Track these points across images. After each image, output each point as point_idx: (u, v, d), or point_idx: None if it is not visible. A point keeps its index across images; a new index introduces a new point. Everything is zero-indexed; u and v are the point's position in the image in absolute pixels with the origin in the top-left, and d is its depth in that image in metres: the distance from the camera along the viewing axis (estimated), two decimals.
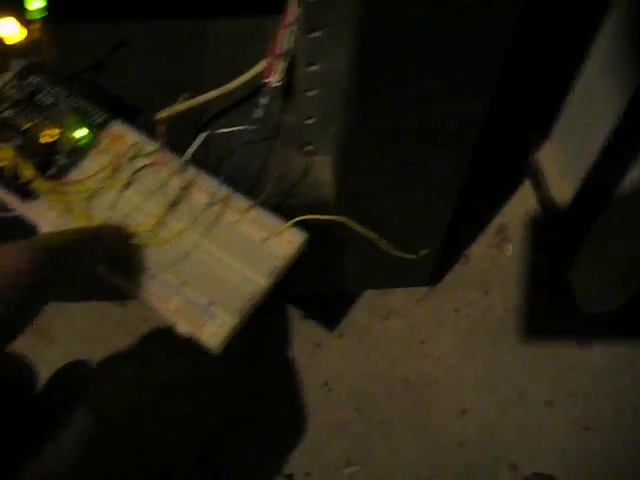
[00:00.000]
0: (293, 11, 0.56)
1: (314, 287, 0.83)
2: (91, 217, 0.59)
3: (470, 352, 0.88)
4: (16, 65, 0.68)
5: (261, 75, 0.62)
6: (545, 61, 0.91)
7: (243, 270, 0.58)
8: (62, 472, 0.43)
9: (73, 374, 0.47)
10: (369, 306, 0.90)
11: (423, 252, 0.69)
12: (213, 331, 0.56)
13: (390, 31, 0.50)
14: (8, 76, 0.68)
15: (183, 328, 0.56)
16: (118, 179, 0.61)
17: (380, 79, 0.54)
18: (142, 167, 0.59)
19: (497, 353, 0.89)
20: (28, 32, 0.65)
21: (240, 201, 0.61)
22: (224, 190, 0.61)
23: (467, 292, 0.92)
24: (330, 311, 0.90)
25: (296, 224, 0.60)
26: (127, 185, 0.59)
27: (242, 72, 0.65)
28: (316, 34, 0.57)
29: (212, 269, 0.58)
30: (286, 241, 0.59)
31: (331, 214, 0.61)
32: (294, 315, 0.89)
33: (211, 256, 0.59)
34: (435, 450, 0.82)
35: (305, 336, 0.88)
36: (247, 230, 0.60)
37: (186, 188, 0.61)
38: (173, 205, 0.60)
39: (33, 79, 0.67)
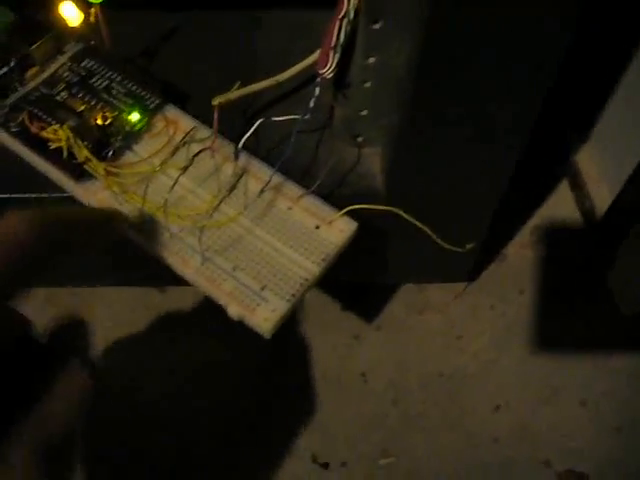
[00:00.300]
0: (347, 3, 0.56)
1: (355, 277, 0.84)
2: (144, 199, 0.59)
3: (505, 349, 0.88)
4: (71, 48, 0.69)
5: (313, 66, 0.62)
6: (588, 62, 0.91)
7: (295, 256, 0.59)
8: (62, 423, 0.43)
9: (69, 330, 0.48)
10: (407, 300, 0.91)
11: (470, 246, 0.69)
12: (265, 316, 0.56)
13: (454, 27, 0.50)
14: (63, 59, 0.68)
15: (234, 311, 0.56)
16: (172, 163, 0.62)
17: (440, 72, 0.54)
18: (197, 152, 0.59)
19: (532, 351, 0.88)
20: (85, 17, 0.65)
21: (292, 189, 0.62)
22: (277, 177, 0.61)
23: (503, 290, 0.92)
24: (368, 303, 0.91)
25: (346, 213, 0.60)
26: (181, 169, 0.59)
27: (294, 62, 0.65)
28: (377, 26, 0.57)
29: (264, 255, 0.59)
30: (338, 229, 0.60)
31: (381, 205, 0.61)
32: (333, 306, 0.89)
33: (263, 242, 0.59)
34: (470, 444, 0.83)
35: (344, 327, 0.89)
36: (299, 217, 0.61)
37: (239, 174, 0.61)
38: (226, 191, 0.60)
39: (88, 63, 0.68)
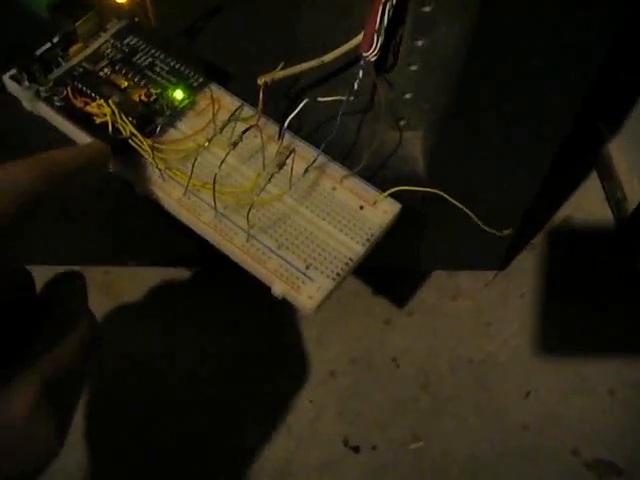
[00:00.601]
0: None
1: (389, 262, 0.84)
2: (189, 177, 0.60)
3: (535, 337, 0.89)
4: (114, 25, 0.69)
5: (357, 48, 0.62)
6: (621, 53, 0.91)
7: (339, 236, 0.59)
8: (65, 363, 0.44)
9: (68, 284, 0.48)
10: (438, 286, 0.91)
11: (507, 232, 0.69)
12: (310, 294, 0.56)
13: (506, 11, 0.50)
14: (107, 36, 0.68)
15: (279, 289, 0.57)
16: (216, 141, 0.62)
17: (490, 56, 0.54)
18: (245, 129, 0.59)
19: (561, 340, 0.89)
20: None
21: (336, 169, 0.62)
22: (321, 158, 0.61)
23: (533, 279, 0.92)
24: (400, 289, 0.91)
25: (389, 195, 0.60)
26: (230, 145, 0.59)
27: (337, 44, 0.65)
28: (426, 9, 0.57)
29: (309, 234, 0.59)
30: (382, 210, 0.60)
31: (423, 187, 0.61)
32: (365, 291, 0.89)
33: (308, 221, 0.59)
34: (499, 430, 0.83)
35: (375, 312, 0.89)
36: (343, 197, 0.61)
37: (284, 154, 0.61)
38: (271, 170, 0.60)
39: (131, 39, 0.68)
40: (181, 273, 0.91)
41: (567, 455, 0.82)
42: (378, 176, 0.65)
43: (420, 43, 0.60)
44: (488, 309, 0.90)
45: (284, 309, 0.84)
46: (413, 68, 0.63)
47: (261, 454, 0.81)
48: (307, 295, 0.56)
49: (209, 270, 0.91)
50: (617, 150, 0.96)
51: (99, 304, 0.89)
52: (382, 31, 0.59)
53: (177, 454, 0.81)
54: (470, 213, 0.62)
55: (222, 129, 0.61)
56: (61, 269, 0.46)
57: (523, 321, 0.89)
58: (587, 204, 0.98)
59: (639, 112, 0.92)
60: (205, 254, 0.61)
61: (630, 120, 0.94)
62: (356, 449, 0.81)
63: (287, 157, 0.60)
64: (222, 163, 0.56)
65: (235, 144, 0.57)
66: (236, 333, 0.88)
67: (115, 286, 0.90)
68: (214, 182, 0.56)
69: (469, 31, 0.53)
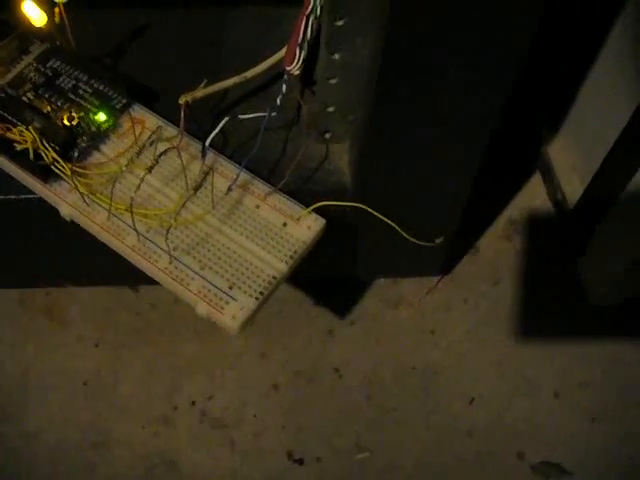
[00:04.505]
0: (313, 0, 0.56)
1: (327, 273, 0.84)
2: (111, 200, 0.59)
3: (479, 342, 0.89)
4: (37, 48, 0.69)
5: (280, 63, 0.62)
6: (557, 55, 0.92)
7: (263, 254, 0.59)
8: None
9: None
10: (380, 294, 0.91)
11: (439, 240, 0.69)
12: (233, 314, 0.57)
13: (415, 23, 0.50)
14: (29, 59, 0.68)
15: (202, 310, 0.57)
16: (139, 163, 0.62)
17: (403, 69, 0.54)
18: (163, 151, 0.59)
19: (506, 343, 0.89)
20: (49, 17, 0.65)
21: (260, 186, 0.62)
22: (244, 175, 0.61)
23: (477, 283, 0.93)
24: (342, 298, 0.91)
25: (314, 210, 0.60)
26: (148, 169, 0.59)
27: (261, 59, 0.65)
28: (340, 22, 0.57)
29: (232, 253, 0.59)
30: (305, 226, 0.60)
31: (349, 201, 0.61)
32: (307, 301, 0.89)
33: (231, 240, 0.59)
34: (444, 438, 0.83)
35: (317, 323, 0.89)
36: (267, 215, 0.61)
37: (206, 173, 0.61)
38: (193, 189, 0.60)
39: (53, 62, 0.68)
40: (124, 291, 0.90)
41: (513, 459, 0.82)
42: (304, 190, 0.65)
43: (337, 56, 0.60)
44: (431, 316, 0.90)
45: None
46: (333, 81, 0.62)
47: (205, 470, 0.80)
48: (230, 315, 0.56)
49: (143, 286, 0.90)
50: (557, 149, 0.96)
51: (45, 330, 0.88)
52: (305, 45, 0.58)
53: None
54: (396, 226, 0.62)
55: (143, 151, 0.60)
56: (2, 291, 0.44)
57: (466, 326, 0.89)
58: (530, 204, 0.99)
59: (577, 111, 0.92)
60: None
61: (569, 119, 0.94)
62: (300, 461, 0.81)
63: (209, 176, 0.60)
64: (139, 186, 0.56)
65: (152, 167, 0.57)
66: (177, 349, 0.87)
67: (57, 308, 0.89)
68: (131, 205, 0.56)
69: (379, 43, 0.53)
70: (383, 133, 0.61)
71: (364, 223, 0.65)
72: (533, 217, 0.97)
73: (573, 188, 0.92)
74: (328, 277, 0.86)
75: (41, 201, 0.63)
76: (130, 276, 0.74)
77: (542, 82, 0.93)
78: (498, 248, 0.94)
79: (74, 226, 0.62)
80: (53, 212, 0.62)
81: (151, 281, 0.60)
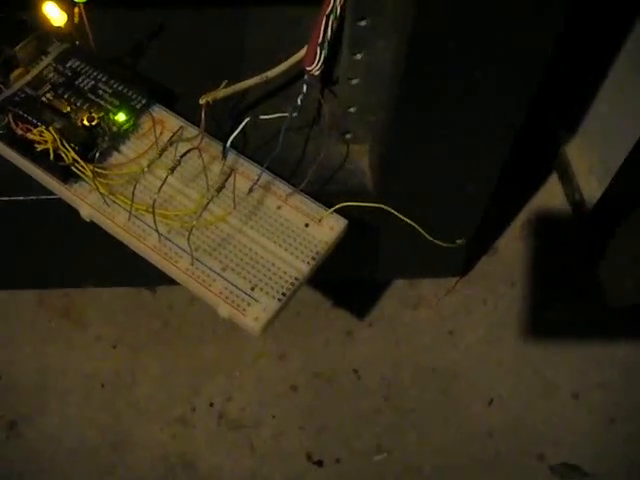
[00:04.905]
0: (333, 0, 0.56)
1: (347, 274, 0.83)
2: (132, 201, 0.60)
3: (498, 343, 0.89)
4: (56, 49, 0.68)
5: (300, 63, 0.61)
6: (575, 54, 0.91)
7: (285, 255, 0.59)
8: None
9: None
10: (399, 296, 0.91)
11: (460, 241, 0.69)
12: (255, 315, 0.56)
13: (441, 24, 0.50)
14: (48, 60, 0.68)
15: (224, 311, 0.57)
16: (159, 164, 0.61)
17: (427, 69, 0.54)
18: (184, 152, 0.59)
19: (524, 344, 0.89)
20: (69, 17, 0.65)
21: (281, 187, 0.62)
22: (265, 176, 0.61)
23: (495, 284, 0.92)
24: (360, 300, 0.91)
25: (336, 211, 0.60)
26: (168, 169, 0.59)
27: (281, 60, 0.65)
28: (363, 23, 0.56)
29: (254, 254, 0.59)
30: (327, 227, 0.60)
31: (370, 202, 0.61)
32: (325, 303, 0.89)
33: (253, 241, 0.59)
34: (463, 439, 0.82)
35: (336, 324, 0.89)
36: (288, 216, 0.61)
37: (227, 173, 0.61)
38: (214, 190, 0.60)
39: (73, 63, 0.68)
40: (141, 293, 0.90)
41: (533, 460, 0.82)
42: (325, 191, 0.65)
43: (359, 57, 0.60)
44: (450, 316, 0.90)
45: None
46: (354, 82, 0.62)
47: (225, 472, 0.80)
48: (253, 317, 0.56)
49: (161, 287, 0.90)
50: (575, 150, 0.96)
51: (64, 331, 0.88)
52: (325, 45, 0.58)
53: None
54: (418, 227, 0.61)
55: (162, 152, 0.60)
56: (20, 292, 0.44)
57: (485, 327, 0.89)
58: (548, 205, 0.98)
59: (595, 112, 0.92)
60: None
61: (587, 120, 0.94)
62: (320, 463, 0.81)
63: (230, 177, 0.60)
64: (161, 187, 0.56)
65: (174, 168, 0.56)
66: (195, 351, 0.87)
67: (75, 309, 0.89)
68: (153, 206, 0.55)
69: (404, 43, 0.52)
70: (405, 135, 0.61)
71: (385, 224, 0.64)
72: (551, 217, 0.96)
73: (591, 189, 0.92)
74: (347, 279, 0.86)
75: (60, 202, 0.63)
76: (147, 277, 0.74)
77: (560, 81, 0.92)
78: (516, 249, 0.94)
79: (92, 227, 0.62)
80: (71, 213, 0.63)
81: (168, 282, 0.60)
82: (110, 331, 0.87)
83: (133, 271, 0.77)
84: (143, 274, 0.69)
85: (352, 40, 0.58)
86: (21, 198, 0.66)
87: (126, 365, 0.85)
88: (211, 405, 0.83)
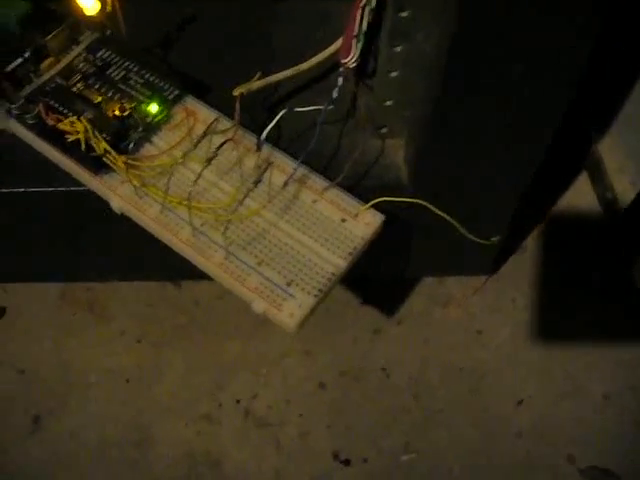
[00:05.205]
0: None
1: (377, 271, 0.82)
2: (165, 193, 0.59)
3: (527, 342, 0.88)
4: (87, 38, 0.67)
5: (334, 55, 0.60)
6: (608, 55, 0.90)
7: (321, 251, 0.57)
8: None
9: None
10: (428, 293, 0.90)
11: (495, 239, 0.68)
12: (291, 311, 0.55)
13: (484, 15, 0.49)
14: (79, 49, 0.67)
15: (259, 307, 0.56)
16: (193, 156, 0.61)
17: (472, 61, 0.53)
18: (220, 144, 0.58)
19: (554, 345, 0.88)
20: (101, 5, 0.64)
21: (317, 181, 0.60)
22: (301, 169, 0.60)
23: (524, 283, 0.91)
24: (389, 297, 0.90)
25: (372, 206, 0.59)
26: (204, 161, 0.58)
27: (314, 51, 0.64)
28: (404, 14, 0.55)
29: (290, 249, 0.58)
30: (364, 223, 0.59)
31: (406, 197, 0.60)
32: (353, 300, 0.88)
33: (288, 236, 0.58)
34: (493, 439, 0.81)
35: (364, 322, 0.88)
36: (324, 210, 0.59)
37: (262, 167, 0.60)
38: (249, 183, 0.58)
39: (104, 52, 0.67)
40: (165, 287, 0.89)
41: (562, 462, 0.81)
42: (360, 186, 0.64)
43: (399, 49, 0.59)
44: (479, 315, 0.89)
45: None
46: (393, 75, 0.61)
47: (251, 470, 0.79)
48: (288, 313, 0.55)
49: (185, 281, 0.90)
50: (607, 150, 0.94)
51: (87, 325, 0.88)
52: (361, 36, 0.57)
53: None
54: (456, 223, 0.60)
55: (197, 143, 0.59)
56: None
57: (514, 327, 0.88)
58: (578, 204, 0.97)
59: (628, 113, 0.91)
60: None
61: (619, 121, 0.92)
62: (347, 462, 0.80)
63: (265, 170, 0.59)
64: (197, 180, 0.55)
65: (210, 160, 0.55)
66: (221, 346, 0.86)
67: (98, 303, 0.88)
68: (189, 199, 0.54)
69: (447, 36, 0.51)
70: (444, 130, 0.60)
71: (419, 220, 0.63)
72: (580, 217, 0.95)
73: (624, 188, 0.90)
74: (377, 276, 0.84)
75: (89, 193, 0.62)
76: (173, 271, 0.73)
77: (592, 81, 0.91)
78: (545, 248, 0.92)
79: (120, 220, 0.61)
80: (101, 205, 0.62)
81: (193, 276, 0.59)
82: (134, 325, 0.86)
83: (159, 265, 0.76)
84: (169, 268, 0.69)
85: (392, 31, 0.58)
86: (50, 189, 0.65)
87: (150, 360, 0.85)
88: (237, 402, 0.83)
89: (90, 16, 0.65)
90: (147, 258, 0.76)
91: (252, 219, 0.58)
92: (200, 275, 0.59)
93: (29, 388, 0.84)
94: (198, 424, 0.82)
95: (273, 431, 0.82)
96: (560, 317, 0.88)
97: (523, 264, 0.92)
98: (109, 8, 0.64)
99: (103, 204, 0.62)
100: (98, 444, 0.80)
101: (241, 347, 0.86)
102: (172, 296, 0.88)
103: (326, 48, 0.63)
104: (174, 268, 0.63)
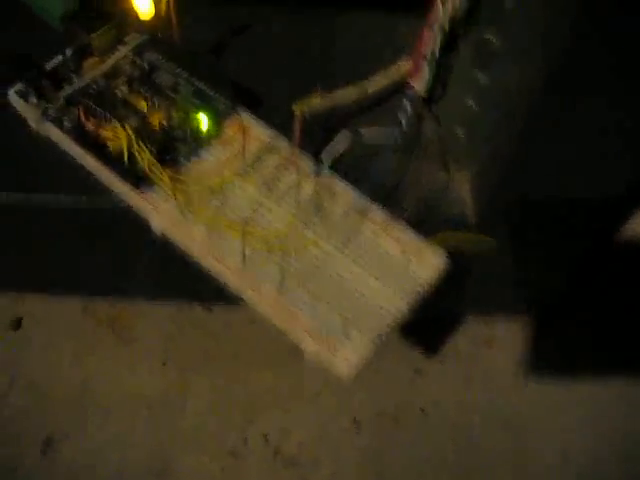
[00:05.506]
0: (441, 13, 0.51)
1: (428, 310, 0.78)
2: (212, 214, 0.54)
3: (574, 390, 0.84)
4: (134, 39, 0.63)
5: (401, 75, 0.56)
6: None
7: (382, 290, 0.52)
8: None
9: None
10: (472, 333, 0.86)
11: None
12: (346, 356, 0.50)
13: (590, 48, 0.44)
14: (125, 50, 0.62)
15: (311, 349, 0.51)
16: (244, 175, 0.57)
17: (564, 102, 0.49)
18: (277, 165, 0.52)
19: (604, 393, 0.83)
20: (155, 7, 0.61)
21: (379, 214, 0.55)
22: (362, 200, 0.55)
23: (571, 326, 0.86)
24: (432, 335, 0.86)
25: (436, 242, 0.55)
26: (257, 183, 0.55)
27: (375, 69, 0.59)
28: (491, 37, 0.51)
29: (348, 286, 0.53)
30: (429, 263, 0.54)
31: (474, 234, 0.58)
32: (394, 337, 0.83)
33: (347, 271, 0.53)
34: None
35: (405, 360, 0.84)
36: (386, 246, 0.55)
37: (320, 193, 0.54)
38: (305, 211, 0.53)
39: (151, 55, 0.63)
40: (191, 309, 0.85)
41: None
42: (425, 220, 0.58)
43: (479, 76, 0.53)
44: (523, 358, 0.85)
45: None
46: (469, 103, 0.55)
47: None
48: (343, 357, 0.50)
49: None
50: None
51: (112, 346, 0.83)
52: (433, 61, 0.52)
53: None
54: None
55: (252, 163, 0.54)
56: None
57: (560, 371, 0.83)
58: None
59: None
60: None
61: None
62: None
63: (324, 197, 0.53)
64: (242, 202, 0.50)
65: (266, 182, 0.50)
66: (251, 377, 0.82)
67: (126, 324, 0.83)
68: (243, 225, 0.49)
69: (542, 70, 0.46)
70: (524, 169, 0.54)
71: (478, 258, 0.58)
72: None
73: None
74: (426, 314, 0.80)
75: (130, 209, 0.57)
76: (205, 294, 0.68)
77: None
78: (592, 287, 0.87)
79: (157, 238, 0.56)
80: (142, 222, 0.57)
81: (226, 300, 0.53)
82: (159, 347, 0.82)
83: (191, 286, 0.71)
84: (201, 290, 0.64)
85: (475, 56, 0.52)
86: (82, 198, 0.60)
87: (175, 385, 0.81)
88: (265, 438, 0.78)
89: (141, 17, 0.61)
90: (179, 279, 0.71)
91: (308, 250, 0.53)
92: (232, 299, 0.54)
93: (43, 405, 0.80)
94: (223, 459, 0.78)
95: (302, 472, 0.77)
96: (609, 364, 0.85)
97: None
98: (163, 9, 0.58)
99: (141, 222, 0.57)
100: (114, 474, 0.75)
101: (272, 378, 0.82)
102: (201, 318, 0.85)
103: (393, 68, 0.58)
104: (207, 290, 0.58)
